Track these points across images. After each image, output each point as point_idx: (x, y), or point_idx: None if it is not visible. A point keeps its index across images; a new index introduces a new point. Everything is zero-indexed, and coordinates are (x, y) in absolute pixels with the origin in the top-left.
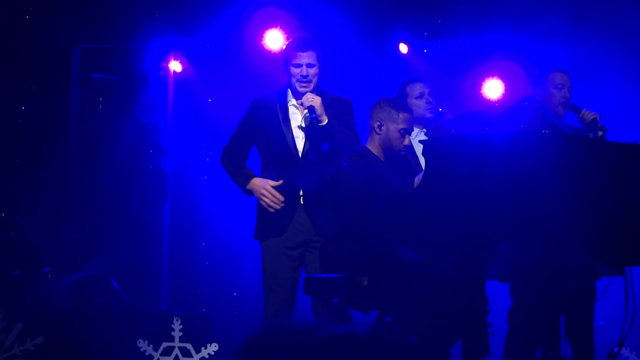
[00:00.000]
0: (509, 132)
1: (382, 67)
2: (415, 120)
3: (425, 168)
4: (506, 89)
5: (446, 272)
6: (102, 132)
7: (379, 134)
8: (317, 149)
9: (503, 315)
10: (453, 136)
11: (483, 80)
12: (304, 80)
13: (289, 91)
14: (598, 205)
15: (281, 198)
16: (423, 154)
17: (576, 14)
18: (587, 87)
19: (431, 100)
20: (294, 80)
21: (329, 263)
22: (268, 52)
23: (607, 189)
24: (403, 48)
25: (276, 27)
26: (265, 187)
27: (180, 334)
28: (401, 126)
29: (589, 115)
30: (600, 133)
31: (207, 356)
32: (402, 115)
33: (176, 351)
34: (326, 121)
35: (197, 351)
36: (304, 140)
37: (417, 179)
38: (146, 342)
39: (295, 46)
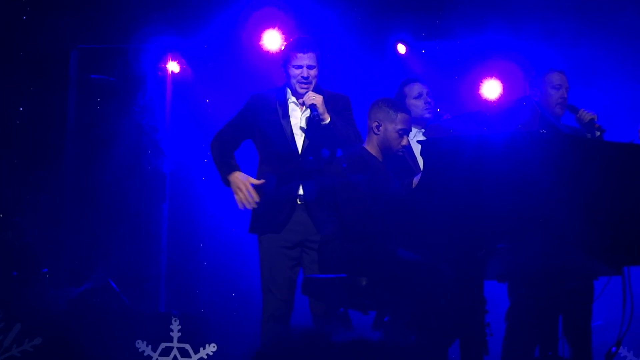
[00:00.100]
0: (506, 132)
1: (380, 67)
2: (414, 121)
3: (423, 168)
4: (504, 89)
5: (445, 272)
6: (100, 132)
7: (377, 134)
8: (317, 149)
9: (501, 315)
10: (451, 136)
11: (481, 80)
12: (305, 81)
13: (288, 90)
14: (596, 205)
15: (256, 199)
16: (421, 154)
17: (574, 14)
18: (585, 88)
19: (429, 100)
20: (294, 81)
21: (327, 263)
22: (266, 53)
23: (604, 189)
24: (401, 48)
25: (274, 28)
26: (244, 183)
27: (179, 334)
28: (399, 126)
29: (586, 115)
30: (598, 133)
31: (205, 356)
32: (400, 116)
33: (175, 351)
34: (328, 119)
35: (196, 351)
36: (303, 137)
37: (416, 180)
38: (145, 342)
39: (295, 47)
